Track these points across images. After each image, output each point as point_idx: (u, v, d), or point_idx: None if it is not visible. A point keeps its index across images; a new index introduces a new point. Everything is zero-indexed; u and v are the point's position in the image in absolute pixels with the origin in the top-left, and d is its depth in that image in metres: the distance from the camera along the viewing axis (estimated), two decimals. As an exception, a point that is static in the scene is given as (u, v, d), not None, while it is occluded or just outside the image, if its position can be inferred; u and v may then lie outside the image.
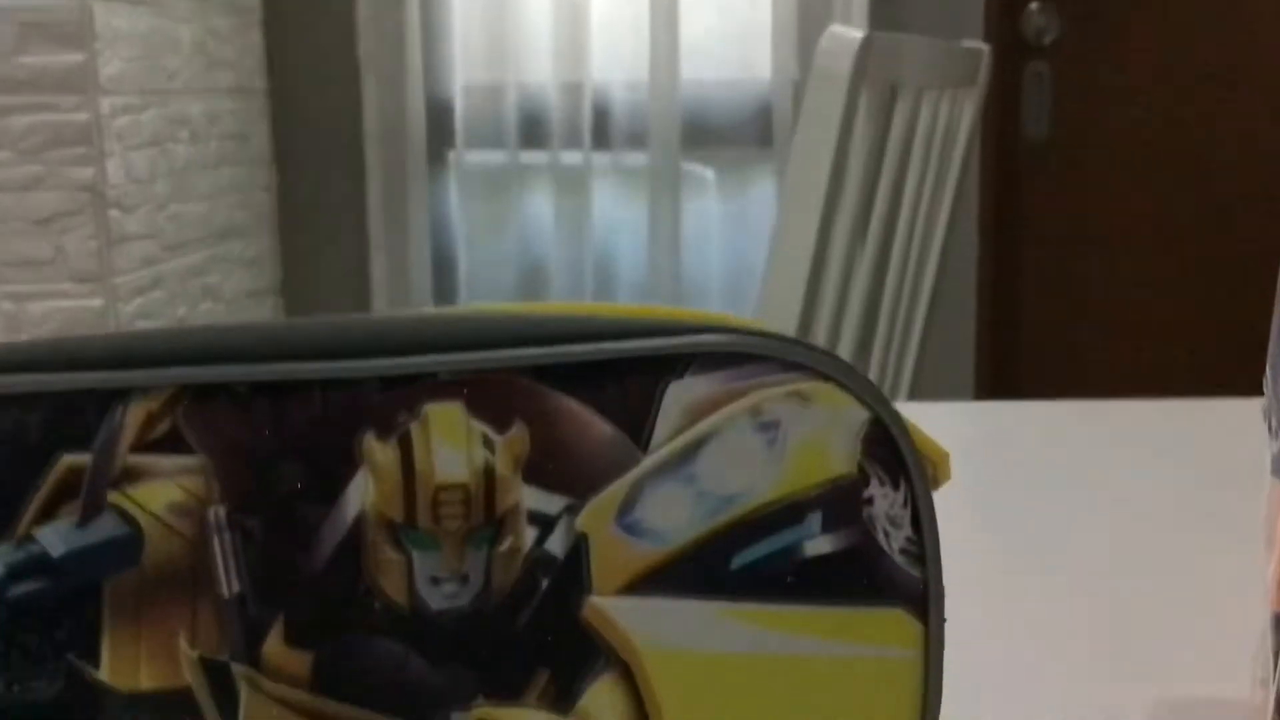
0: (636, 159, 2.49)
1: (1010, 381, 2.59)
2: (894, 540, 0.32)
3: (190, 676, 0.30)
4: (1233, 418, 0.76)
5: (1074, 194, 2.54)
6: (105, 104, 1.82)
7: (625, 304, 0.34)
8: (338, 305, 2.53)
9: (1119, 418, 0.78)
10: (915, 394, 1.61)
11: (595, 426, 0.31)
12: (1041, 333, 2.59)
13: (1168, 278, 2.52)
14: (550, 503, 0.31)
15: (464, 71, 2.49)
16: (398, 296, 2.51)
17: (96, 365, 0.30)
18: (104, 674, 0.30)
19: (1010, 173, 2.55)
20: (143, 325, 1.91)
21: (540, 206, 2.52)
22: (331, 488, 0.30)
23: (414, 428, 0.30)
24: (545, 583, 0.31)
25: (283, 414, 0.30)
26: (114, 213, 1.84)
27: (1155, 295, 2.52)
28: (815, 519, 0.32)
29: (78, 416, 0.30)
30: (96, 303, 1.83)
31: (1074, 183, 2.54)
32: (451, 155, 2.55)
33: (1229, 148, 2.45)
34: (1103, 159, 2.52)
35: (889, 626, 0.32)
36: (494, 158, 2.50)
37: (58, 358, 0.30)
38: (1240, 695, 0.41)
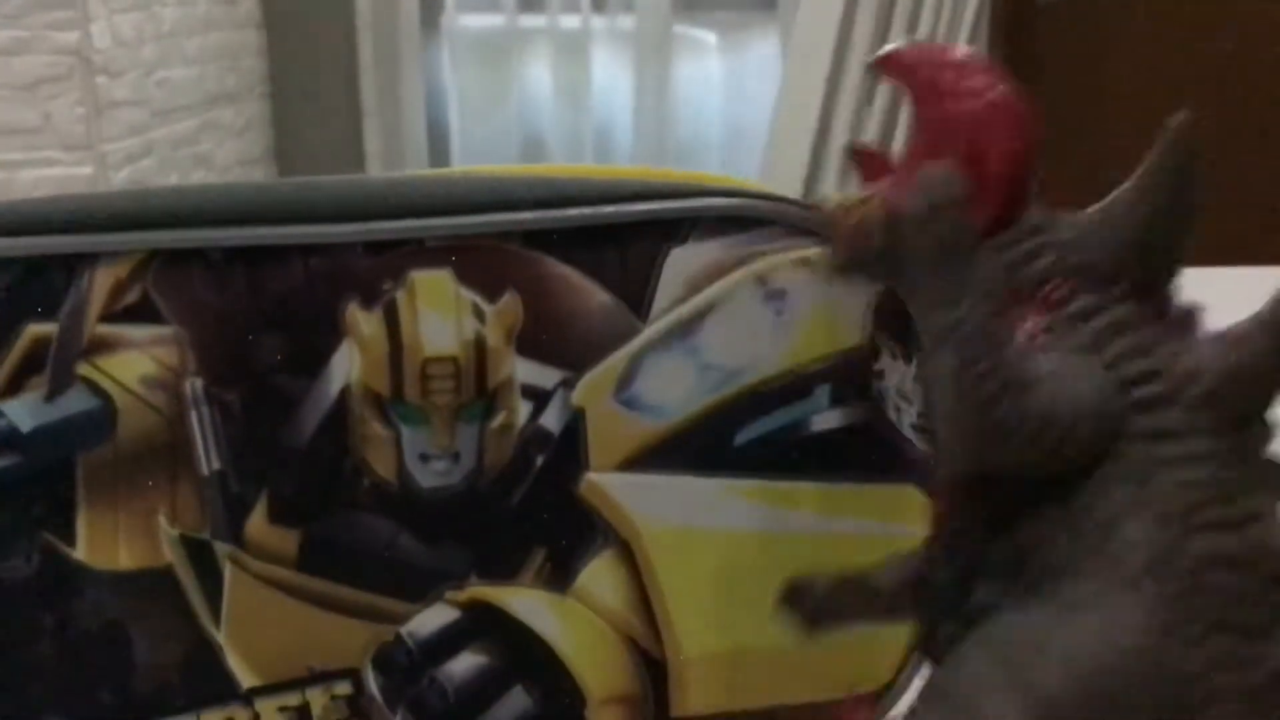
0: (635, 22, 2.43)
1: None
2: (905, 416, 0.31)
3: (171, 555, 0.29)
4: (1258, 287, 0.75)
5: (1087, 56, 2.49)
6: (87, -36, 1.76)
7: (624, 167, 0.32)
8: (333, 174, 2.48)
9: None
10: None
11: (592, 295, 0.29)
12: (1055, 200, 2.56)
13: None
14: (545, 376, 0.29)
15: (457, -70, 2.41)
16: (393, 164, 2.47)
17: (60, 229, 0.28)
18: (81, 553, 0.29)
19: (1022, 32, 2.50)
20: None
21: (537, 72, 2.47)
22: (314, 359, 0.29)
23: (400, 296, 0.29)
24: (540, 459, 0.30)
25: (261, 281, 0.29)
26: (101, 79, 1.80)
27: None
28: (823, 392, 0.31)
29: (42, 283, 0.28)
30: (86, 171, 1.80)
31: (1087, 44, 2.48)
32: (445, 19, 2.48)
33: (1248, 5, 2.39)
34: (1116, 19, 2.46)
35: (900, 503, 0.31)
36: (489, 22, 2.44)
37: (19, 221, 0.28)
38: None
